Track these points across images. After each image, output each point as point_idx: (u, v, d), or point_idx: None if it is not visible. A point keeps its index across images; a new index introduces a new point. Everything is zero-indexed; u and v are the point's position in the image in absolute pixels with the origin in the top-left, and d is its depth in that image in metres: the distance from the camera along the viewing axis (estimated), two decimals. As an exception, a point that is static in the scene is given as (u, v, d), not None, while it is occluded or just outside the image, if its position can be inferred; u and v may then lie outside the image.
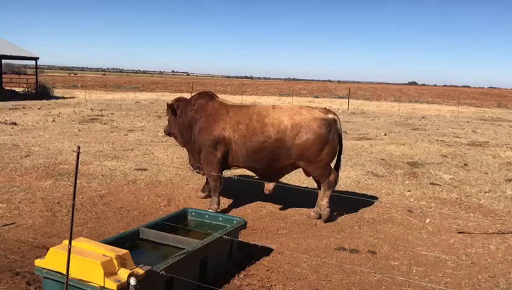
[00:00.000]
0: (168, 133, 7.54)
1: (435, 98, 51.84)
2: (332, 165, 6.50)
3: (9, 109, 19.50)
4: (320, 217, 6.42)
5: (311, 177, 6.85)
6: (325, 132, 6.11)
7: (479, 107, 34.52)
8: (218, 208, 6.52)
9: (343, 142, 6.71)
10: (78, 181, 7.66)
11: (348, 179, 8.74)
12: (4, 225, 5.71)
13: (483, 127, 19.39)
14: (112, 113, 18.90)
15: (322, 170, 6.29)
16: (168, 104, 7.29)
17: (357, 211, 6.86)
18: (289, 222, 6.33)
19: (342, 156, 6.74)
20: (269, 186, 6.57)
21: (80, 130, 13.53)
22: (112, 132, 13.50)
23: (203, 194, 7.21)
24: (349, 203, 6.85)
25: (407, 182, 8.87)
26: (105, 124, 15.42)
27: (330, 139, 6.17)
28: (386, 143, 13.23)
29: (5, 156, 9.41)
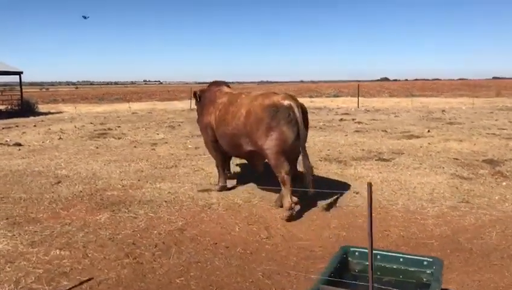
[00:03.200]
0: (197, 120, 7.82)
1: (427, 92, 51.30)
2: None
3: (3, 128, 17.63)
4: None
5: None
6: (266, 118, 5.92)
7: (481, 98, 33.86)
8: (225, 185, 7.24)
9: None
10: (141, 211, 6.24)
11: (442, 185, 7.43)
12: (81, 283, 4.20)
13: (512, 117, 18.45)
14: (119, 126, 17.25)
15: (273, 161, 5.99)
16: (194, 92, 7.79)
17: None
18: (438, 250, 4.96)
19: (306, 149, 6.17)
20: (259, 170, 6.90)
21: (97, 147, 11.92)
22: (135, 147, 11.92)
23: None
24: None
25: (504, 183, 7.64)
26: (119, 138, 13.81)
27: (274, 126, 5.88)
28: (441, 140, 12.00)
29: (31, 184, 7.80)
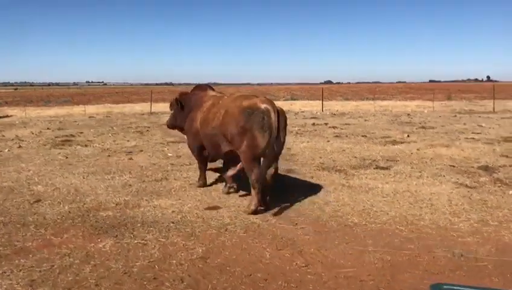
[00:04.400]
0: (173, 126, 8.15)
1: (378, 95, 52.30)
2: None
3: None
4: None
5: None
6: (241, 120, 5.95)
7: (434, 101, 34.72)
8: (205, 182, 7.64)
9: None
10: (149, 235, 5.47)
11: (454, 196, 7.12)
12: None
13: (478, 120, 18.80)
14: (81, 132, 16.03)
15: (246, 163, 6.07)
16: (175, 99, 7.84)
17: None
18: None
19: (280, 154, 6.36)
20: (230, 172, 6.86)
21: (66, 157, 10.85)
22: (109, 155, 10.96)
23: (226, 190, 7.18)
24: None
25: (510, 192, 7.46)
26: (86, 146, 12.73)
27: (248, 129, 5.90)
28: (427, 146, 11.84)
29: (5, 204, 6.79)
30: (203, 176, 7.65)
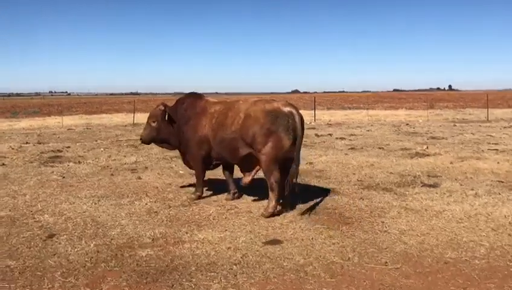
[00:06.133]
0: (152, 140, 7.56)
1: (355, 104, 52.11)
2: None
3: None
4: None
5: None
6: (266, 123, 6.08)
7: (418, 110, 34.56)
8: (202, 194, 7.31)
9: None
10: (216, 284, 4.23)
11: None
12: None
13: (482, 130, 18.30)
14: (68, 147, 14.52)
15: (266, 166, 6.18)
16: (161, 110, 7.27)
17: None
18: None
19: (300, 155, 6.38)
20: (246, 179, 6.70)
21: (63, 177, 9.48)
22: (112, 174, 9.64)
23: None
24: None
25: None
26: (79, 162, 11.34)
27: (274, 131, 6.07)
28: (456, 159, 11.02)
29: (12, 241, 5.47)
30: (201, 188, 7.34)
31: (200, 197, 7.30)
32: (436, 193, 7.62)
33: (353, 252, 5.05)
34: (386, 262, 4.78)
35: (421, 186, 8.15)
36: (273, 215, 6.19)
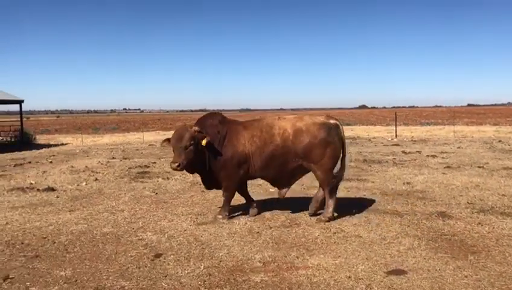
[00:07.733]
0: (189, 165, 6.65)
1: (431, 120, 49.94)
2: None
3: (14, 165, 15.00)
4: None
5: None
6: (324, 135, 6.56)
7: (505, 126, 32.40)
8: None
9: None
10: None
11: None
12: None
13: None
14: (154, 162, 14.76)
15: (324, 175, 6.63)
16: (195, 131, 6.62)
17: None
18: None
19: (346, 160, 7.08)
20: (283, 191, 7.04)
21: (156, 193, 9.51)
22: (203, 191, 9.48)
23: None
24: None
25: None
26: (168, 178, 11.40)
27: (330, 141, 6.58)
28: None
29: (120, 260, 5.35)
30: (228, 207, 7.16)
31: (227, 217, 7.04)
32: None
33: (492, 288, 4.45)
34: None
35: (548, 212, 7.29)
36: (332, 219, 6.76)
